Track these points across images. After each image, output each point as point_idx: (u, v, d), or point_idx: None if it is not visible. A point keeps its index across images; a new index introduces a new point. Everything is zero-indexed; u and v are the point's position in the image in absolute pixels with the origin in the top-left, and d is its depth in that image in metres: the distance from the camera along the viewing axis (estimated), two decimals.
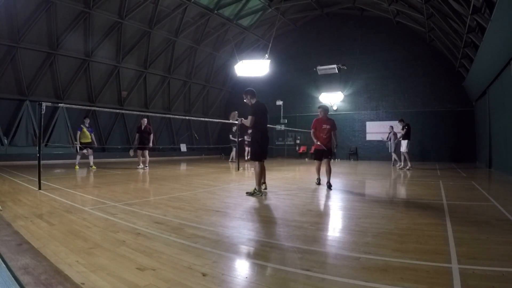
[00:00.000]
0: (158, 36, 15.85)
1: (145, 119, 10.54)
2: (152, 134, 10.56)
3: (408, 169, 10.74)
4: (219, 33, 17.91)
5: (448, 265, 2.21)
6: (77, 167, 10.00)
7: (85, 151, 10.02)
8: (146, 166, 10.09)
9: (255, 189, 5.28)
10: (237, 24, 17.55)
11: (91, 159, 10.18)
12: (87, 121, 10.29)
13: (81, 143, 9.94)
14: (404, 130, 10.95)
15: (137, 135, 10.40)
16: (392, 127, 12.67)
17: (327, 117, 6.53)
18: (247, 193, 5.34)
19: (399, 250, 2.57)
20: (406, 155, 11.00)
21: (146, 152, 10.29)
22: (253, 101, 5.54)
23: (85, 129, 9.99)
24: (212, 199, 5.05)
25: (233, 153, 14.68)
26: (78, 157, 10.23)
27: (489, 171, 10.25)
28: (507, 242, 2.76)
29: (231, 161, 14.73)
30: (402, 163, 11.21)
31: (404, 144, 10.96)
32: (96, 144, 10.52)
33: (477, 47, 9.11)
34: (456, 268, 2.15)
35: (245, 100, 5.64)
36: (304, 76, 18.91)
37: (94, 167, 10.09)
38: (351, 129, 17.45)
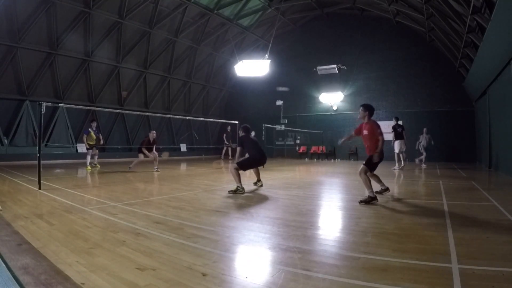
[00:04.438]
0: (158, 36, 15.84)
1: (154, 132, 10.18)
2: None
3: (394, 169, 10.65)
4: (219, 33, 17.90)
5: (448, 265, 2.21)
6: (89, 167, 10.15)
7: (91, 150, 10.31)
8: (156, 167, 9.70)
9: (237, 186, 5.54)
10: (237, 24, 17.54)
11: (95, 158, 10.56)
12: (94, 124, 10.54)
13: (88, 144, 10.22)
14: (392, 132, 10.80)
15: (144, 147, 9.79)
16: None
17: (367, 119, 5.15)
18: (229, 191, 5.52)
19: (399, 250, 2.57)
20: (400, 156, 10.92)
21: (155, 153, 9.89)
22: (242, 134, 6.21)
23: (92, 133, 10.21)
24: (212, 199, 5.05)
25: (223, 152, 16.35)
26: (88, 157, 10.36)
27: (489, 171, 10.24)
28: (507, 242, 2.76)
29: (223, 159, 16.20)
30: (399, 164, 11.06)
31: (395, 145, 10.83)
32: (103, 142, 10.63)
33: (477, 47, 9.11)
34: (456, 268, 2.15)
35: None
36: (304, 76, 18.91)
37: (89, 167, 10.22)
38: (351, 129, 17.39)
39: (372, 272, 2.10)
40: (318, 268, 2.18)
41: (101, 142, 10.55)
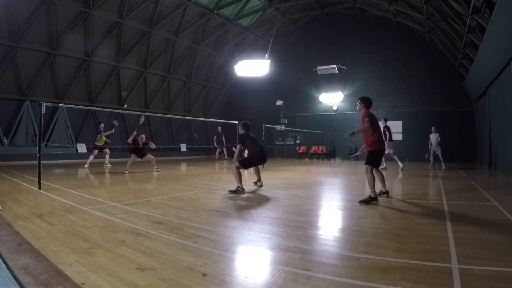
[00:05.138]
0: (158, 36, 15.84)
1: (143, 135, 9.51)
2: (149, 142, 9.73)
3: (383, 169, 10.39)
4: (219, 33, 17.91)
5: (448, 265, 2.21)
6: (85, 166, 10.32)
7: (96, 151, 10.70)
8: (155, 168, 9.53)
9: (238, 186, 5.52)
10: (237, 24, 17.54)
11: (106, 158, 10.93)
12: (102, 126, 10.92)
13: (96, 146, 10.61)
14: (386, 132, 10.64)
15: (132, 147, 9.32)
16: None
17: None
18: (229, 191, 5.51)
19: (399, 250, 2.57)
20: (395, 157, 10.86)
21: (150, 156, 9.63)
22: (242, 132, 6.06)
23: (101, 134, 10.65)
24: (212, 199, 5.05)
25: (217, 154, 16.22)
26: (91, 157, 10.61)
27: (489, 171, 10.24)
28: (507, 242, 2.76)
29: (218, 159, 16.11)
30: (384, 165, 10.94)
31: (387, 146, 10.66)
32: (110, 138, 11.06)
33: (477, 47, 9.11)
34: (456, 268, 2.15)
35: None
36: (304, 76, 18.91)
37: (86, 166, 10.32)
38: (351, 129, 17.16)
39: (372, 272, 2.10)
40: (318, 268, 2.18)
41: (109, 137, 10.98)
